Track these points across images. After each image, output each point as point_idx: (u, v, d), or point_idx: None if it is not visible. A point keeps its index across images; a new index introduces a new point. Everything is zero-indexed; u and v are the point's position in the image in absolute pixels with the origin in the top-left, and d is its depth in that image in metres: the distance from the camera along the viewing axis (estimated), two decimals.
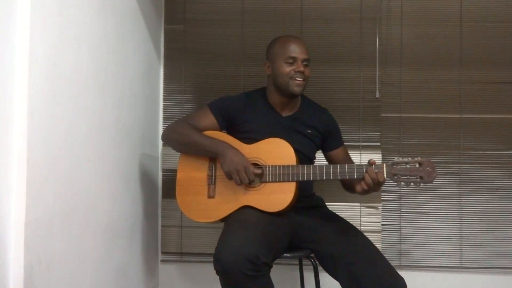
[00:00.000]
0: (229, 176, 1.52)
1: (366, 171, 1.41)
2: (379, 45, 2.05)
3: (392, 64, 2.05)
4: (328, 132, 1.69)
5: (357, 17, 2.06)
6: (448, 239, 2.02)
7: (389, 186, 2.03)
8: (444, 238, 2.02)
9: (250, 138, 1.58)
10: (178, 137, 1.63)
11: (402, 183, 1.40)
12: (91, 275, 1.42)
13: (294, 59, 1.59)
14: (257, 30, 2.08)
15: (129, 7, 1.73)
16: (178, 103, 2.11)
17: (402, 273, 1.43)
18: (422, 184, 1.39)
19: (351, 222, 1.60)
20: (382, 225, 2.04)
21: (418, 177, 1.39)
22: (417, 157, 1.40)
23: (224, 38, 2.08)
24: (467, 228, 2.02)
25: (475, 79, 2.03)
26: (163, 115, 2.11)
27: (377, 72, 2.04)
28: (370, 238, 1.53)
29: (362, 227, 2.00)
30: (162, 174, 2.09)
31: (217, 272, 1.34)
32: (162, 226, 2.09)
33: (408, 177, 1.39)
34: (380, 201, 2.03)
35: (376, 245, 1.50)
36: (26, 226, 1.07)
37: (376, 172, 1.40)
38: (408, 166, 1.40)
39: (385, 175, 1.40)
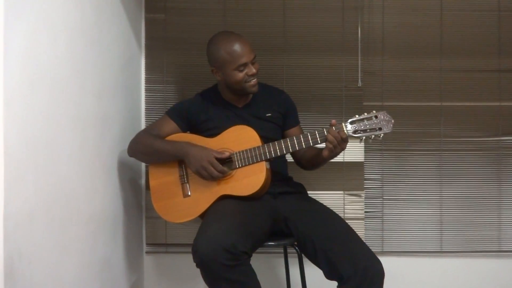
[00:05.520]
0: (199, 175, 1.54)
1: (328, 132, 1.47)
2: (361, 34, 2.06)
3: (374, 53, 2.07)
4: (286, 111, 1.72)
5: (339, 6, 2.06)
6: (429, 225, 2.06)
7: (371, 173, 2.06)
8: (425, 224, 2.06)
9: (213, 135, 1.61)
10: (141, 148, 1.65)
11: (364, 138, 1.48)
12: (74, 268, 1.40)
13: (245, 65, 1.57)
14: (239, 19, 2.06)
15: None
16: (160, 93, 2.08)
17: (385, 258, 1.46)
18: (382, 134, 1.47)
19: (335, 210, 1.61)
20: (365, 212, 2.07)
21: (377, 129, 1.47)
22: (373, 111, 1.49)
23: (206, 27, 2.05)
24: (447, 214, 2.07)
25: (455, 67, 2.06)
26: (145, 106, 2.08)
27: (359, 61, 2.05)
28: (353, 226, 1.55)
29: (345, 215, 2.03)
30: (146, 166, 2.07)
31: (197, 265, 1.35)
32: (147, 217, 2.08)
33: (367, 131, 1.47)
34: (362, 189, 2.06)
35: (359, 232, 1.53)
36: (5, 219, 1.05)
37: (338, 132, 1.46)
38: (366, 121, 1.48)
39: (346, 132, 1.47)
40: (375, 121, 1.47)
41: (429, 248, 2.07)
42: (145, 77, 2.08)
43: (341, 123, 1.48)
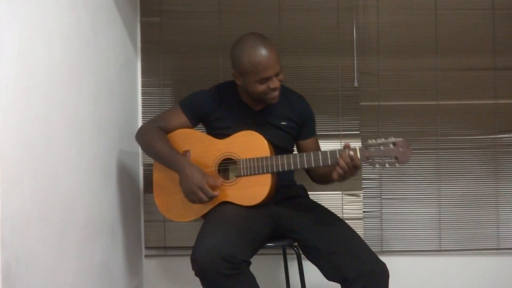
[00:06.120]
0: (188, 198, 1.49)
1: (340, 156, 1.39)
2: (356, 34, 2.06)
3: (370, 53, 2.07)
4: (303, 121, 1.66)
5: (334, 7, 2.07)
6: (427, 224, 2.07)
7: (369, 173, 2.06)
8: (423, 223, 2.06)
9: (224, 134, 1.56)
10: (143, 143, 1.63)
11: (377, 165, 1.38)
12: (73, 273, 1.40)
13: (268, 78, 1.48)
14: (234, 21, 2.07)
15: None
16: (157, 96, 2.08)
17: (384, 258, 1.45)
18: (397, 164, 1.37)
19: (333, 211, 1.61)
20: (364, 212, 2.07)
21: (393, 157, 1.37)
22: (391, 137, 1.39)
23: (201, 29, 2.06)
24: (445, 212, 2.07)
25: (450, 66, 2.07)
26: (142, 109, 2.08)
27: (355, 61, 2.06)
28: (352, 226, 1.55)
29: (344, 215, 2.03)
30: (143, 169, 2.07)
31: (196, 274, 1.33)
32: (145, 221, 2.07)
33: (382, 158, 1.37)
34: (361, 188, 2.06)
35: (358, 232, 1.52)
36: (1, 224, 1.05)
37: (351, 156, 1.37)
38: (382, 147, 1.37)
39: (359, 157, 1.38)
40: (392, 149, 1.36)
41: (428, 247, 2.07)
42: (142, 81, 2.08)
43: (355, 148, 1.38)
